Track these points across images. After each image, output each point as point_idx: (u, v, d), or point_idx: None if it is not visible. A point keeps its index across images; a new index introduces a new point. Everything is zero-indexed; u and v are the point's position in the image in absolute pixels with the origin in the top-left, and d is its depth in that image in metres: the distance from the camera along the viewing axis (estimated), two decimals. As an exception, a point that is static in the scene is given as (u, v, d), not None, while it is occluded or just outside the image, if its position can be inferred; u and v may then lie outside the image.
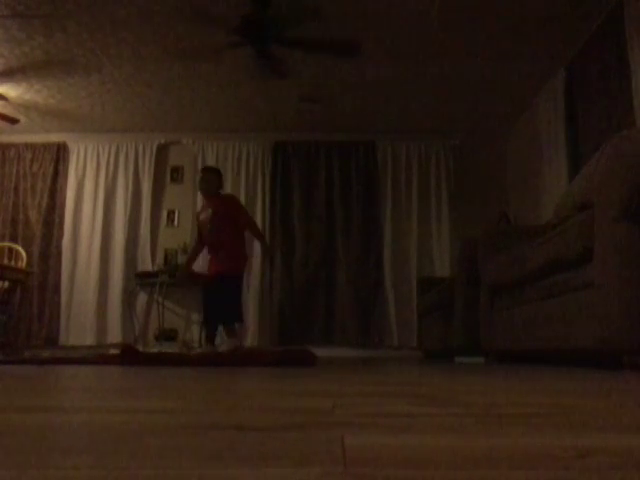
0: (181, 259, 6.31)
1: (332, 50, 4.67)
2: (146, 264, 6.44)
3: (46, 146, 6.69)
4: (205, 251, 4.78)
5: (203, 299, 4.70)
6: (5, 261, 5.60)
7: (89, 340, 6.27)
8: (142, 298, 6.44)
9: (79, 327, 6.34)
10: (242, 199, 6.54)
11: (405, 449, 0.50)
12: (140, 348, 5.76)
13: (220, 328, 4.60)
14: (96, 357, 3.22)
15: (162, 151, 6.75)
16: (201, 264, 5.33)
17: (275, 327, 6.28)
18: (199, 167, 6.64)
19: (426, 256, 6.43)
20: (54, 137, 6.73)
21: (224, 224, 4.50)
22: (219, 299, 4.44)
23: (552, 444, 0.52)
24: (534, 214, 5.84)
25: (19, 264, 5.64)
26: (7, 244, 5.98)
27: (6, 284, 5.32)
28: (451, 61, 5.05)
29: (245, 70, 5.13)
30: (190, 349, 5.51)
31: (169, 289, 6.12)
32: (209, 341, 4.58)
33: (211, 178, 4.60)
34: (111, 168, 6.64)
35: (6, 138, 6.68)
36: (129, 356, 2.92)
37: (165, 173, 6.74)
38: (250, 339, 6.28)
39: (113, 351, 5.70)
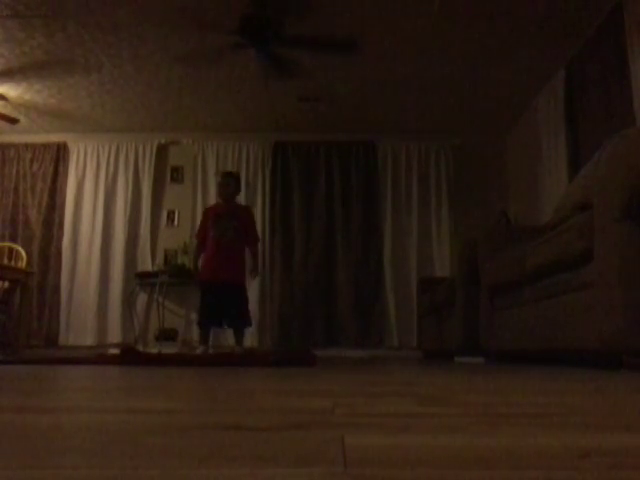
0: (181, 259, 6.32)
1: (331, 47, 4.64)
2: (146, 264, 6.44)
3: (46, 146, 6.69)
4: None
5: (209, 301, 4.57)
6: (5, 261, 5.60)
7: (89, 340, 6.27)
8: (142, 298, 6.44)
9: (79, 327, 6.34)
10: (242, 199, 6.54)
11: (405, 449, 0.50)
12: (140, 348, 5.76)
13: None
14: (96, 357, 3.22)
15: (162, 151, 6.75)
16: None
17: (275, 327, 6.28)
18: (199, 167, 6.65)
19: (426, 256, 6.43)
20: (54, 137, 6.73)
21: (241, 232, 4.58)
22: (234, 306, 4.51)
23: (552, 444, 0.52)
24: (534, 214, 5.84)
25: (19, 264, 5.64)
26: (7, 244, 5.98)
27: (6, 284, 5.32)
28: (451, 61, 5.05)
29: (247, 71, 5.13)
30: (193, 349, 5.52)
31: (169, 289, 6.12)
32: (205, 342, 4.59)
33: (232, 183, 4.66)
34: (111, 168, 6.64)
35: (6, 138, 6.68)
36: (129, 356, 2.92)
37: (165, 173, 6.73)
38: (250, 339, 6.28)
39: (113, 351, 5.70)
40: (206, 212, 4.79)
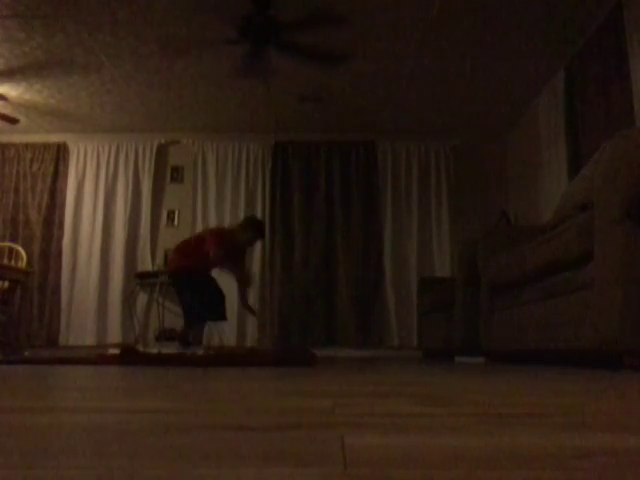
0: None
1: (321, 58, 4.73)
2: (146, 264, 6.44)
3: (46, 146, 6.69)
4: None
5: (207, 296, 4.69)
6: (5, 261, 5.60)
7: (89, 340, 6.27)
8: (142, 298, 6.44)
9: (79, 327, 6.34)
10: (242, 199, 6.57)
11: (405, 449, 0.50)
12: (140, 348, 5.76)
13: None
14: (96, 357, 3.21)
15: (162, 151, 6.75)
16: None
17: (275, 327, 6.28)
18: (199, 167, 6.65)
19: (426, 256, 6.43)
20: (54, 137, 6.73)
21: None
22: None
23: (552, 444, 0.52)
24: (534, 214, 5.84)
25: (19, 264, 5.64)
26: (7, 244, 5.98)
27: (6, 284, 5.32)
28: (451, 61, 5.05)
29: (232, 68, 5.13)
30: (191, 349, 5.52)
31: (169, 289, 6.12)
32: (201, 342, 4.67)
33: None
34: (111, 168, 6.65)
35: (6, 138, 6.68)
36: (129, 356, 2.92)
37: (165, 173, 6.74)
38: (250, 339, 6.28)
39: (113, 351, 5.70)
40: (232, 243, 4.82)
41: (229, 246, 4.64)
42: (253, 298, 6.34)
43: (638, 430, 0.61)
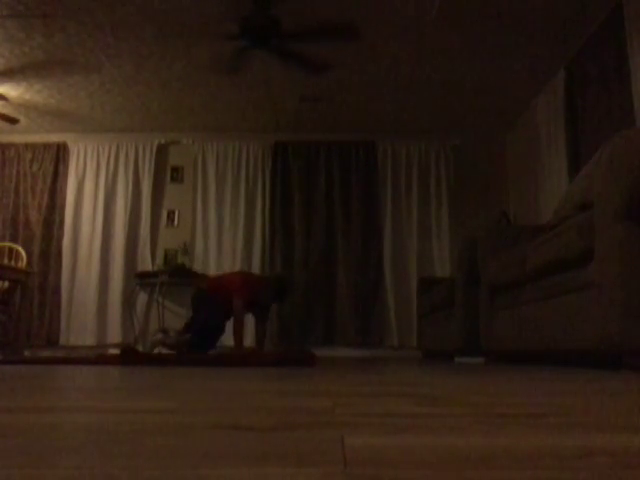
0: (181, 259, 6.32)
1: (332, 34, 4.63)
2: (146, 264, 6.44)
3: (46, 146, 6.69)
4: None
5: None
6: (5, 261, 5.60)
7: (89, 340, 6.27)
8: (142, 298, 6.44)
9: (79, 327, 6.34)
10: (242, 199, 6.57)
11: (405, 449, 0.50)
12: (140, 348, 5.76)
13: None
14: (96, 357, 3.21)
15: (162, 151, 6.75)
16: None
17: (275, 327, 6.28)
18: (199, 167, 6.66)
19: (426, 256, 6.43)
20: (54, 137, 6.73)
21: None
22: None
23: (552, 444, 0.52)
24: (534, 214, 5.84)
25: (19, 264, 5.64)
26: (7, 244, 5.98)
27: (6, 284, 5.32)
28: (451, 61, 5.05)
29: (247, 71, 5.13)
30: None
31: (169, 289, 6.12)
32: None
33: None
34: (111, 168, 6.65)
35: (6, 138, 6.68)
36: (129, 356, 2.92)
37: (165, 173, 6.74)
38: (250, 340, 6.28)
39: (113, 351, 5.70)
40: None
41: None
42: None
43: (638, 430, 0.61)
